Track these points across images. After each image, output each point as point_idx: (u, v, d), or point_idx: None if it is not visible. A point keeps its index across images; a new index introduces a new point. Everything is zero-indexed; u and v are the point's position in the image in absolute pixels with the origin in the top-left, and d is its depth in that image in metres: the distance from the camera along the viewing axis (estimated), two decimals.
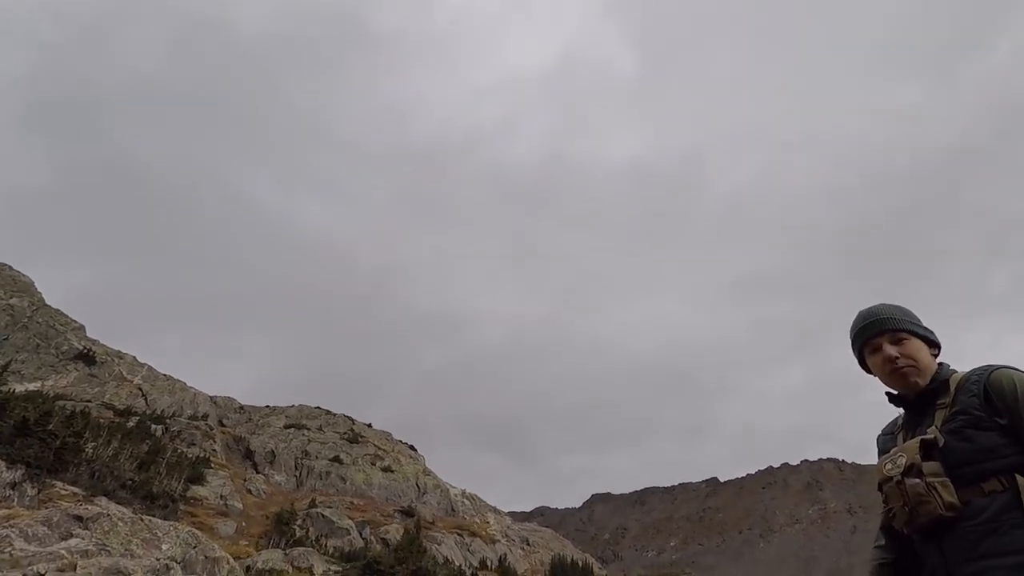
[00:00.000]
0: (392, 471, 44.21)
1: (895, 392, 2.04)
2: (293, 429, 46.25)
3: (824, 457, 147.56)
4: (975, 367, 1.97)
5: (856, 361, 2.14)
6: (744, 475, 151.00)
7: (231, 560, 12.08)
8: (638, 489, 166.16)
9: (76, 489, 14.12)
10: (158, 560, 9.88)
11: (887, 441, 2.11)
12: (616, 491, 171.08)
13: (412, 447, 55.83)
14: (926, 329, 2.03)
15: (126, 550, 10.32)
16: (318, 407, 54.58)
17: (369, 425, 55.20)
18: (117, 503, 14.47)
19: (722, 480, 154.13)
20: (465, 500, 47.21)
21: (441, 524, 37.82)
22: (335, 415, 53.40)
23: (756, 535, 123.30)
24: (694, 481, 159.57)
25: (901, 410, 2.11)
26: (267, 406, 53.35)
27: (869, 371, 2.08)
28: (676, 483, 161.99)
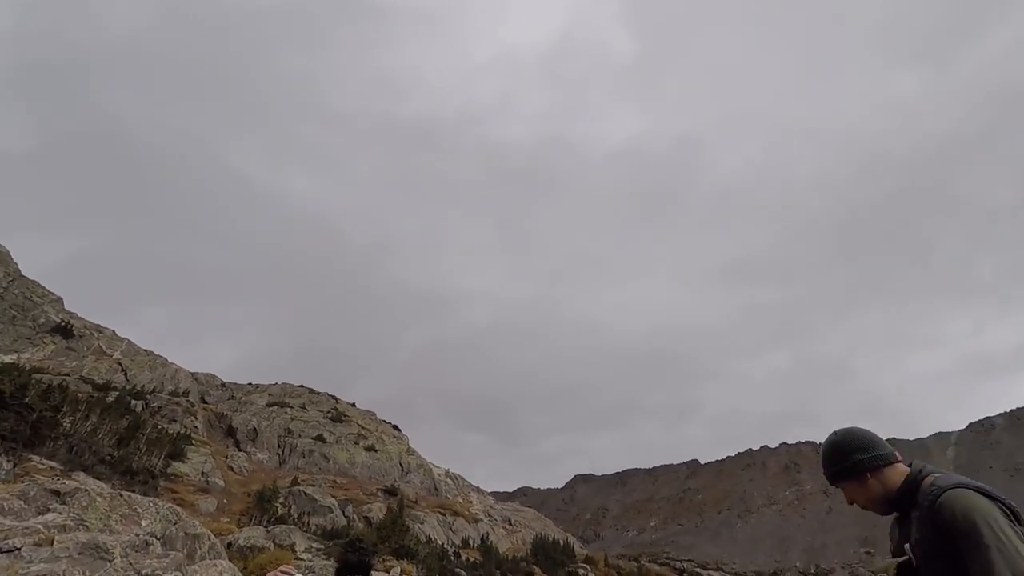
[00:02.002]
0: (375, 450, 44.26)
1: None
2: (276, 407, 46.04)
3: (802, 440, 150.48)
4: (939, 479, 2.09)
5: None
6: (724, 457, 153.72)
7: (212, 536, 11.99)
8: (620, 470, 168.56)
9: (54, 463, 13.91)
10: (137, 536, 9.76)
11: (892, 530, 2.30)
12: (598, 472, 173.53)
13: (396, 427, 55.91)
14: (851, 463, 2.20)
15: (105, 525, 10.19)
16: (301, 385, 54.36)
17: (353, 404, 55.13)
18: (96, 478, 14.30)
19: (702, 462, 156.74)
20: (448, 480, 47.48)
21: (424, 503, 38.04)
22: (319, 394, 53.23)
23: (734, 515, 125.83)
24: (675, 463, 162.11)
25: None
26: (250, 384, 53.01)
27: None
28: (657, 465, 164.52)
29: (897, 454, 2.27)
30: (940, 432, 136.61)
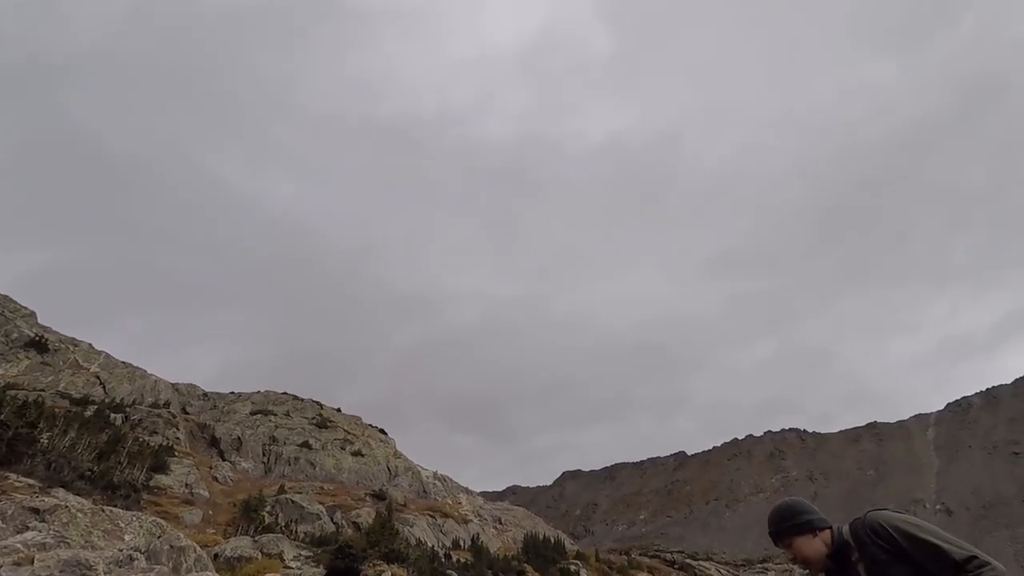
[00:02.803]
0: (362, 455, 43.97)
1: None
2: (260, 415, 45.51)
3: (786, 428, 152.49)
4: (854, 520, 2.60)
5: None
6: (711, 448, 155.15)
7: (198, 548, 11.81)
8: (608, 465, 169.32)
9: (32, 481, 13.58)
10: (121, 551, 9.56)
11: None
12: (586, 468, 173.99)
13: (382, 430, 55.59)
14: (797, 521, 2.70)
15: (87, 542, 9.98)
16: (285, 392, 53.80)
17: (338, 410, 54.69)
18: (76, 494, 14.00)
19: (689, 454, 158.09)
20: (437, 482, 47.33)
21: (413, 506, 37.87)
22: (303, 400, 52.74)
23: (722, 505, 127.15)
24: (662, 455, 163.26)
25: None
26: (232, 392, 52.34)
27: None
28: (645, 458, 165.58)
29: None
30: (920, 414, 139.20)
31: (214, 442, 38.20)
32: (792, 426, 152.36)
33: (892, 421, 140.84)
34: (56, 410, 23.77)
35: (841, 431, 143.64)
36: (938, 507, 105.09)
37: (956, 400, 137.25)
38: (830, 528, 2.70)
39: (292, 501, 29.27)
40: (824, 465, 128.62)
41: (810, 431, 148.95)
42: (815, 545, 2.65)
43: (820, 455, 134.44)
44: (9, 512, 9.81)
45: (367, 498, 35.20)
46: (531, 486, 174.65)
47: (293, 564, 16.42)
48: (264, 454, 39.50)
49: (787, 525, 2.73)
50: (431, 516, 36.40)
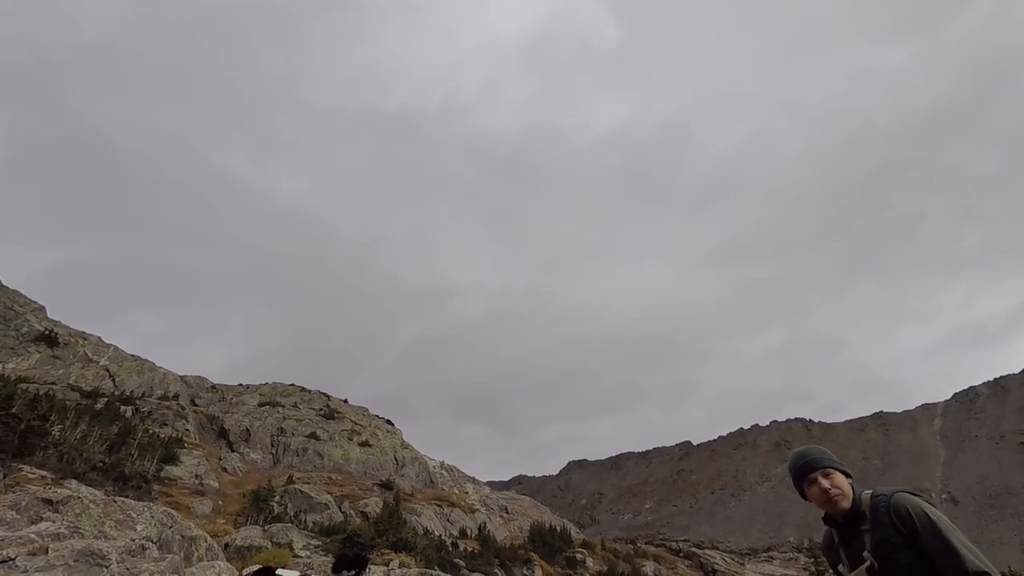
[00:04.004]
0: (370, 446, 44.28)
1: (829, 514, 2.67)
2: (268, 407, 45.86)
3: (792, 417, 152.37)
4: (877, 491, 2.60)
5: (795, 484, 2.82)
6: (716, 437, 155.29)
7: (208, 538, 11.99)
8: (614, 455, 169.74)
9: (44, 472, 13.80)
10: (133, 541, 9.73)
11: (831, 554, 2.76)
12: (592, 458, 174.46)
13: (389, 421, 55.93)
14: (842, 464, 2.69)
15: (99, 532, 10.16)
16: (292, 384, 54.15)
17: (345, 401, 55.03)
18: (88, 485, 14.21)
19: (695, 443, 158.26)
20: (444, 472, 47.64)
21: (420, 496, 38.17)
22: (310, 392, 53.06)
23: (728, 495, 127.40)
24: (668, 445, 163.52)
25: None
26: (240, 384, 52.71)
27: (807, 499, 2.76)
28: (651, 448, 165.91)
29: None
30: (927, 403, 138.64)
31: (223, 433, 38.56)
32: (798, 415, 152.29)
33: (899, 411, 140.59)
34: (67, 403, 24.06)
35: (847, 421, 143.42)
36: (944, 496, 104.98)
37: (964, 390, 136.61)
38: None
39: (301, 491, 29.57)
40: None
41: (816, 421, 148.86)
42: (849, 491, 2.62)
43: (826, 444, 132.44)
44: (23, 503, 9.99)
45: (374, 488, 35.51)
46: (537, 476, 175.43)
47: (302, 553, 16.62)
48: (272, 445, 39.85)
49: (834, 460, 2.70)
50: (438, 505, 36.69)
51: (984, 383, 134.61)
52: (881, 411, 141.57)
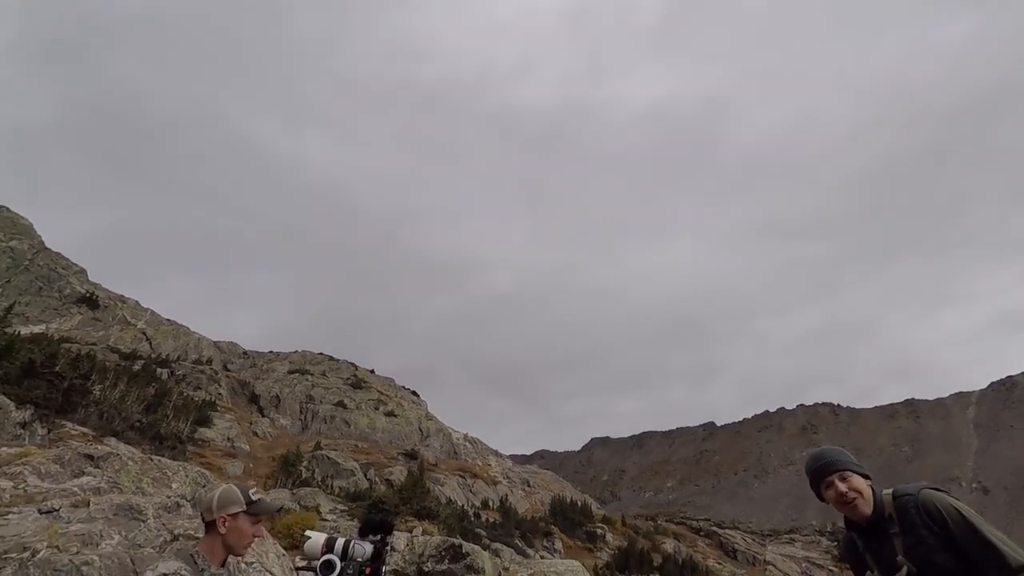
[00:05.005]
0: (395, 415, 45.05)
1: (850, 518, 2.56)
2: (297, 374, 46.87)
3: (820, 401, 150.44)
4: (899, 489, 2.44)
5: (811, 486, 2.68)
6: (741, 419, 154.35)
7: None
8: (636, 433, 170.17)
9: (86, 429, 14.34)
10: (168, 498, 10.05)
11: (856, 561, 2.60)
12: (615, 435, 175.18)
13: (415, 392, 56.74)
14: (860, 466, 2.57)
15: (137, 488, 10.53)
16: (321, 353, 55.17)
17: (372, 371, 55.92)
18: (126, 443, 14.73)
19: (719, 424, 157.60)
20: (467, 444, 48.31)
21: (444, 466, 38.81)
22: (338, 361, 54.03)
23: (751, 476, 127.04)
24: (692, 425, 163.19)
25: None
26: (271, 352, 53.92)
27: (825, 502, 2.62)
28: (674, 427, 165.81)
29: None
30: (960, 392, 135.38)
31: (254, 399, 39.60)
32: (825, 400, 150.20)
33: (930, 398, 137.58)
34: (107, 364, 24.88)
35: (876, 407, 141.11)
36: (974, 486, 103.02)
37: (1001, 379, 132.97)
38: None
39: (328, 457, 30.29)
40: (858, 440, 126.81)
41: (844, 405, 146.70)
42: (869, 493, 2.49)
43: (854, 430, 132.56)
44: (66, 457, 10.40)
45: (399, 457, 36.20)
46: (559, 451, 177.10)
47: (329, 517, 17.08)
48: (301, 412, 40.82)
49: (852, 461, 2.58)
50: (461, 476, 37.29)
51: (1022, 372, 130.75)
52: (912, 398, 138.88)
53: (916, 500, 2.35)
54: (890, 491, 2.49)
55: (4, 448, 10.76)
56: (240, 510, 2.57)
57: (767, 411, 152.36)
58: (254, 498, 2.65)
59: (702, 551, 42.74)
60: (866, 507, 2.46)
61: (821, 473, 2.58)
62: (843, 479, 2.52)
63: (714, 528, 49.80)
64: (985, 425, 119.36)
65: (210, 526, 2.59)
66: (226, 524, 2.55)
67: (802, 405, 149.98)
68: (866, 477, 2.55)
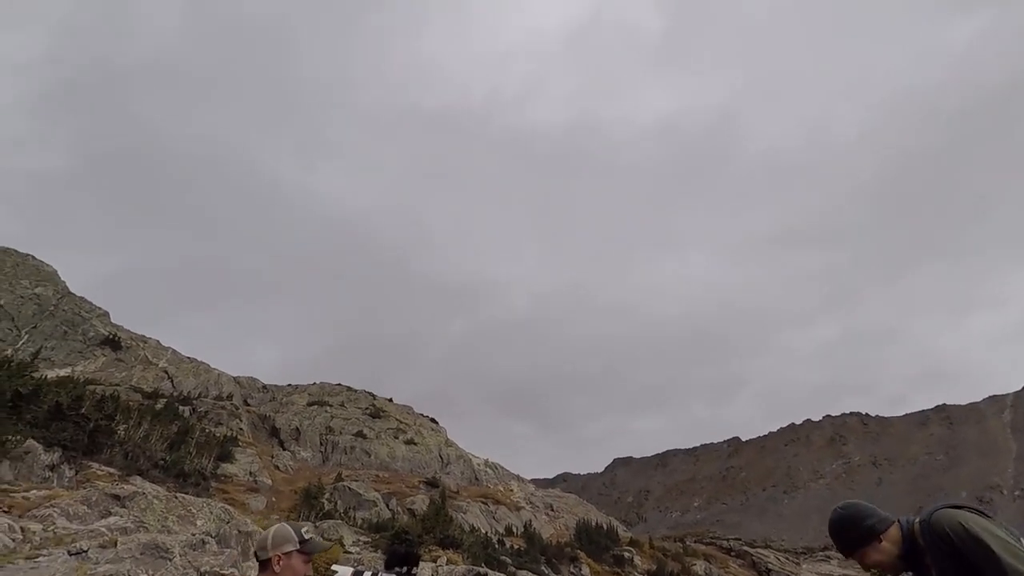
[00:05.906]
0: (415, 443, 44.93)
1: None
2: (316, 406, 47.03)
3: (847, 412, 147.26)
4: (924, 514, 2.38)
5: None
6: (767, 433, 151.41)
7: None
8: (659, 452, 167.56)
9: (111, 469, 14.52)
10: (194, 535, 10.13)
11: None
12: (638, 455, 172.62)
13: (433, 419, 56.59)
14: (882, 522, 2.45)
15: (163, 526, 10.62)
16: (339, 384, 55.34)
17: (390, 400, 55.94)
18: (151, 482, 14.87)
19: (744, 439, 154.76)
20: (488, 469, 47.95)
21: (465, 493, 38.52)
22: (356, 391, 54.15)
23: (780, 492, 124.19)
24: (716, 441, 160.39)
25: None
26: (289, 385, 54.22)
27: None
28: (698, 444, 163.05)
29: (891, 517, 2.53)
30: (994, 395, 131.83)
31: (274, 432, 39.78)
32: (854, 410, 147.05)
33: (963, 403, 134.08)
34: (130, 404, 25.22)
35: (907, 415, 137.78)
36: (1016, 493, 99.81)
37: None
38: (895, 522, 2.47)
39: (349, 488, 30.24)
40: (889, 450, 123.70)
41: (873, 415, 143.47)
42: (884, 550, 2.42)
43: (884, 440, 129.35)
44: (93, 499, 10.54)
45: (420, 485, 36.02)
46: (582, 473, 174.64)
47: (353, 549, 17.01)
48: (321, 443, 40.88)
49: (853, 537, 2.50)
50: (483, 503, 36.96)
51: None
52: (944, 404, 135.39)
53: (929, 524, 2.31)
54: (918, 519, 2.41)
55: (33, 491, 10.94)
56: (294, 549, 2.62)
57: (793, 424, 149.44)
58: (307, 536, 2.70)
59: (734, 572, 41.75)
60: (892, 566, 2.43)
61: (843, 551, 2.60)
62: (864, 556, 2.48)
63: (745, 547, 48.66)
64: (1022, 429, 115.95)
65: (264, 564, 2.63)
66: (280, 563, 2.59)
67: (829, 416, 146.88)
68: (872, 533, 2.45)
